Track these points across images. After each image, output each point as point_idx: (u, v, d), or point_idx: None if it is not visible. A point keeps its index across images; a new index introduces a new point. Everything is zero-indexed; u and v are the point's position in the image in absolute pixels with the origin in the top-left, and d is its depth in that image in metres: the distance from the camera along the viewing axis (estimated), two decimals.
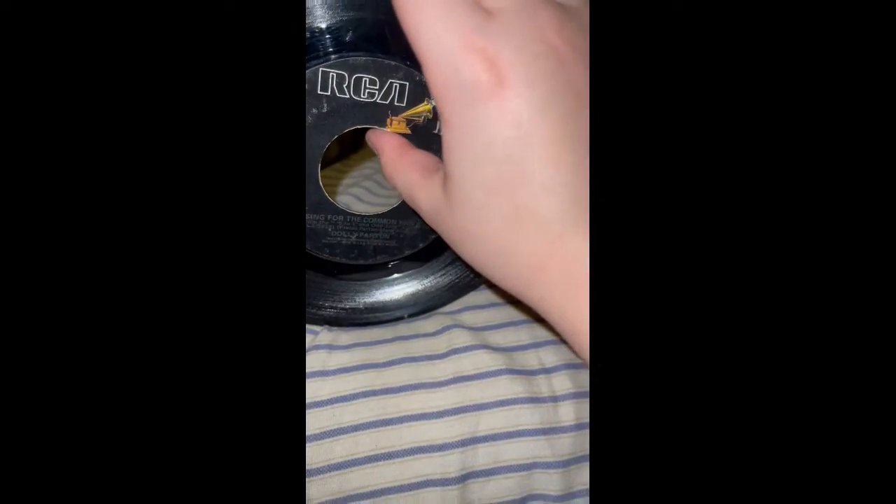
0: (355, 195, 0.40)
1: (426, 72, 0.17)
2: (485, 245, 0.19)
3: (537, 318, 0.29)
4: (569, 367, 0.27)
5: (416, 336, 0.28)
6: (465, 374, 0.26)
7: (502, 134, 0.16)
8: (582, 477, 0.26)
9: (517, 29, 0.16)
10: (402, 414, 0.25)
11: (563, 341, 0.27)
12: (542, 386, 0.26)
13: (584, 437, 0.26)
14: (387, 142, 0.23)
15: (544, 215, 0.17)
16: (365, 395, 0.26)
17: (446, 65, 0.16)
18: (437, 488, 0.25)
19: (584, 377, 0.27)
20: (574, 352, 0.18)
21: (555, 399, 0.26)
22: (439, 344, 0.28)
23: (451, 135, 0.17)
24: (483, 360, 0.27)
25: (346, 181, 0.43)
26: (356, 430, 0.25)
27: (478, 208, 0.18)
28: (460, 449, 0.25)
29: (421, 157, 0.22)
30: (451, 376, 0.26)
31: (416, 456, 0.25)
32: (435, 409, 0.25)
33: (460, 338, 0.27)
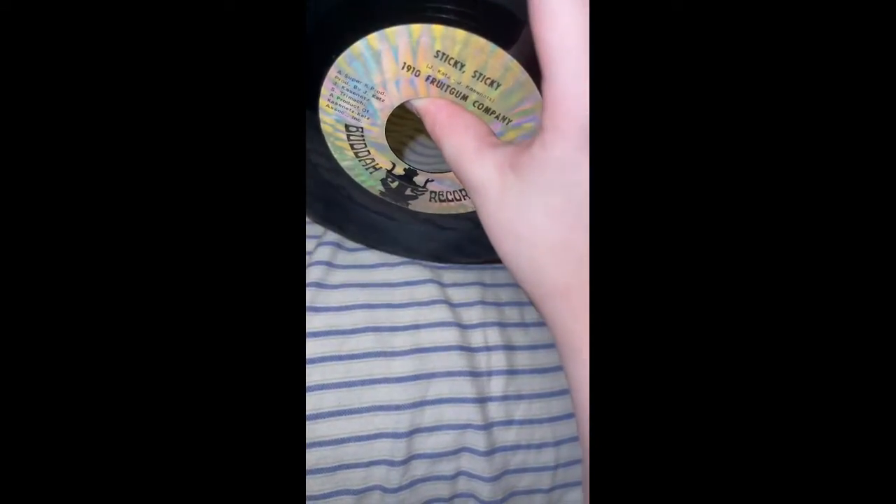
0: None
1: (562, 74, 0.16)
2: (522, 250, 0.19)
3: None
4: (506, 347, 0.32)
5: (382, 306, 0.32)
6: (423, 346, 0.31)
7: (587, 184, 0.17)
8: (503, 436, 0.32)
9: None
10: (364, 377, 0.30)
11: (506, 324, 0.33)
12: (482, 362, 0.32)
13: (507, 407, 0.32)
14: (433, 102, 0.22)
15: (585, 256, 0.18)
16: (331, 359, 0.30)
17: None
18: (389, 440, 0.30)
19: (517, 357, 0.33)
20: (566, 372, 0.20)
21: (489, 374, 0.32)
22: (403, 316, 0.32)
23: (547, 154, 0.17)
24: (442, 336, 0.32)
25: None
26: (322, 389, 0.30)
27: (530, 220, 0.18)
28: (411, 410, 0.30)
29: (475, 122, 0.21)
30: (410, 347, 0.31)
31: (375, 413, 0.30)
32: (394, 375, 0.30)
33: (429, 314, 0.32)
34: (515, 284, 0.34)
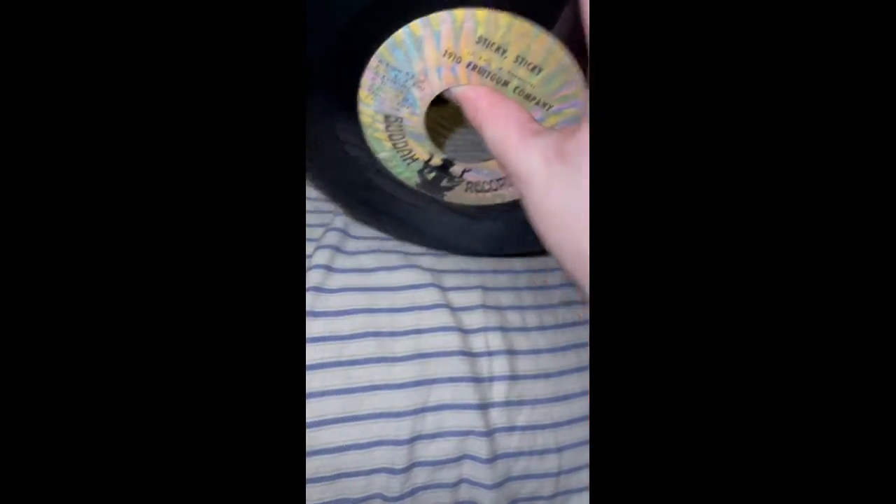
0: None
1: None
2: (569, 238, 0.19)
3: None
4: (508, 352, 0.32)
5: (383, 310, 0.32)
6: (424, 351, 0.31)
7: None
8: (505, 443, 0.31)
9: None
10: (364, 384, 0.30)
11: (508, 329, 0.33)
12: (484, 367, 0.31)
13: (510, 412, 0.31)
14: (473, 89, 0.22)
15: None
16: (331, 364, 0.30)
17: None
18: (389, 447, 0.29)
19: (519, 362, 0.32)
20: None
21: (491, 379, 0.31)
22: (404, 320, 0.31)
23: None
24: (443, 341, 0.31)
25: None
26: (322, 396, 0.29)
27: (578, 208, 0.18)
28: (412, 416, 0.30)
29: (516, 109, 0.21)
30: (410, 353, 0.31)
31: (375, 420, 0.29)
32: (395, 381, 0.30)
33: (430, 319, 0.31)
34: (517, 288, 0.34)
